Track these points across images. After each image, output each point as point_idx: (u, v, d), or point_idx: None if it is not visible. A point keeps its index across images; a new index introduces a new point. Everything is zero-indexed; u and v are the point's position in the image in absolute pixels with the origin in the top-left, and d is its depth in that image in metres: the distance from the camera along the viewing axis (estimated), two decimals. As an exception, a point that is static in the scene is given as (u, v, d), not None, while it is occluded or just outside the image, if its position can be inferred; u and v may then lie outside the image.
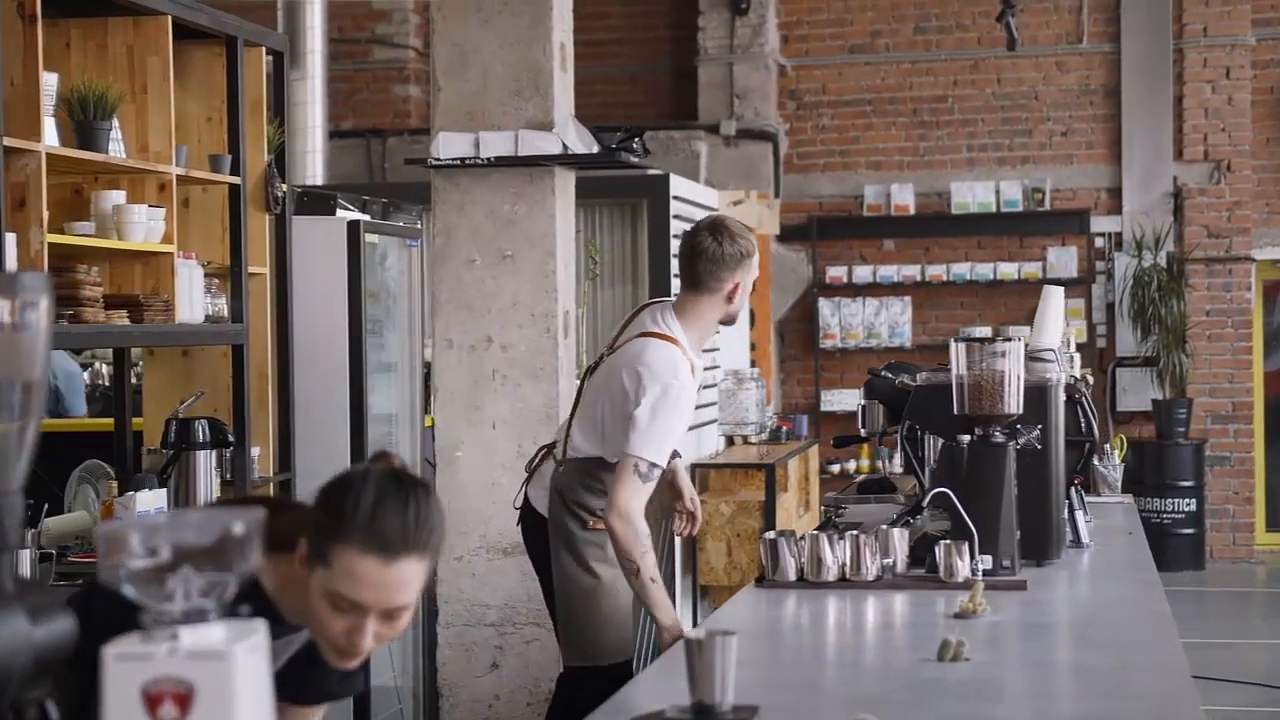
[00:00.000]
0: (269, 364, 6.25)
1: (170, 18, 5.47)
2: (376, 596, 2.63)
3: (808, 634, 4.18)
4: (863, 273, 13.74)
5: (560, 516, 5.04)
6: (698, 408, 6.47)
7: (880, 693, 3.30)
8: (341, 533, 2.63)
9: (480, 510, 6.42)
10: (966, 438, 4.76)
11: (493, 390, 6.40)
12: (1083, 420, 5.43)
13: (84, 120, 5.06)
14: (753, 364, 12.75)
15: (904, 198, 13.73)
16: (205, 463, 5.71)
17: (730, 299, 5.01)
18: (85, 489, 6.20)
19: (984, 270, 13.54)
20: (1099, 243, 13.65)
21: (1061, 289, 6.16)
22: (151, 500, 5.34)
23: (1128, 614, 4.27)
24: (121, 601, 1.92)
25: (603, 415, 4.97)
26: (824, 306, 13.78)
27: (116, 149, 5.25)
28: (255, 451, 6.10)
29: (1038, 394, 4.92)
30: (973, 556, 4.58)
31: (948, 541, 4.57)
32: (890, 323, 13.69)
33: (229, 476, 5.91)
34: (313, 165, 11.25)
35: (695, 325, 5.00)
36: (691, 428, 7.81)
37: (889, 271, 13.71)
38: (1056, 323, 6.03)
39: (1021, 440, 4.85)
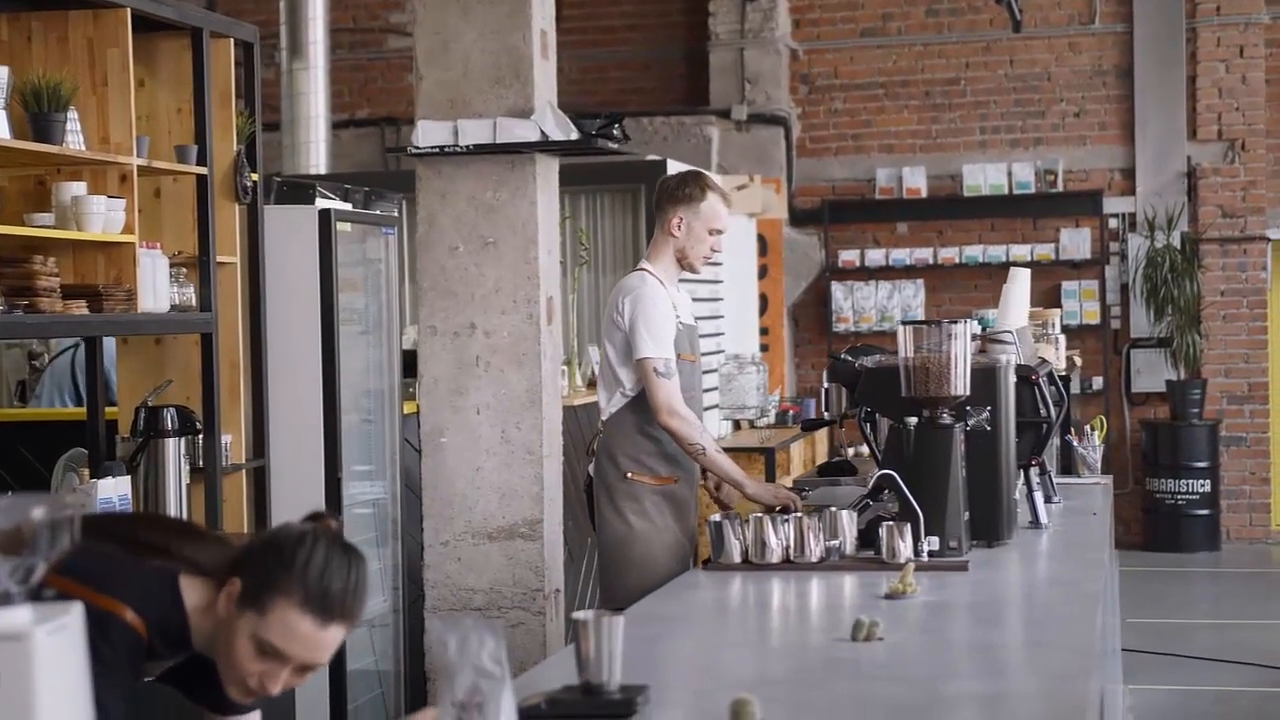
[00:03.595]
0: (241, 352, 6.29)
1: (130, 10, 5.52)
2: (303, 653, 2.79)
3: (737, 615, 4.22)
4: (875, 256, 13.73)
5: (604, 470, 5.66)
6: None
7: (781, 672, 3.34)
8: (286, 586, 2.77)
9: (465, 495, 6.44)
10: (913, 420, 4.78)
11: (476, 377, 6.41)
12: (1040, 402, 5.43)
13: (39, 113, 5.11)
14: (764, 348, 12.77)
15: (916, 181, 13.71)
16: (174, 450, 5.78)
17: (672, 232, 5.66)
18: (70, 476, 6.26)
19: (996, 252, 13.52)
20: (1112, 224, 13.60)
21: (1028, 271, 6.17)
22: (114, 487, 5.42)
23: (1058, 594, 4.29)
24: None
25: (611, 362, 5.62)
26: (837, 290, 13.78)
27: (75, 141, 5.30)
28: (228, 439, 6.15)
29: (987, 376, 4.94)
30: (916, 538, 4.60)
31: (890, 523, 4.60)
32: (903, 306, 13.68)
33: (200, 464, 5.97)
34: (315, 154, 11.32)
35: (659, 259, 5.70)
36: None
37: (901, 255, 13.70)
38: (1022, 304, 6.05)
39: (970, 422, 4.88)
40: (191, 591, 2.89)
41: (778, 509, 5.28)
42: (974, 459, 4.84)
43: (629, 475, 5.62)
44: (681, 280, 5.87)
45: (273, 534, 2.93)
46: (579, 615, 2.99)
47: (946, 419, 4.79)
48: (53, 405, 7.97)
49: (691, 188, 5.70)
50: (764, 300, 13.19)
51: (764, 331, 13.10)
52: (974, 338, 5.26)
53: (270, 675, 2.82)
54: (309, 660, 2.82)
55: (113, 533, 2.99)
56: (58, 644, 1.90)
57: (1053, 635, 3.67)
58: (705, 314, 10.54)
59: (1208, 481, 13.10)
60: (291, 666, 2.82)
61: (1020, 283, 6.05)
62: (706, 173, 6.15)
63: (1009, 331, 5.53)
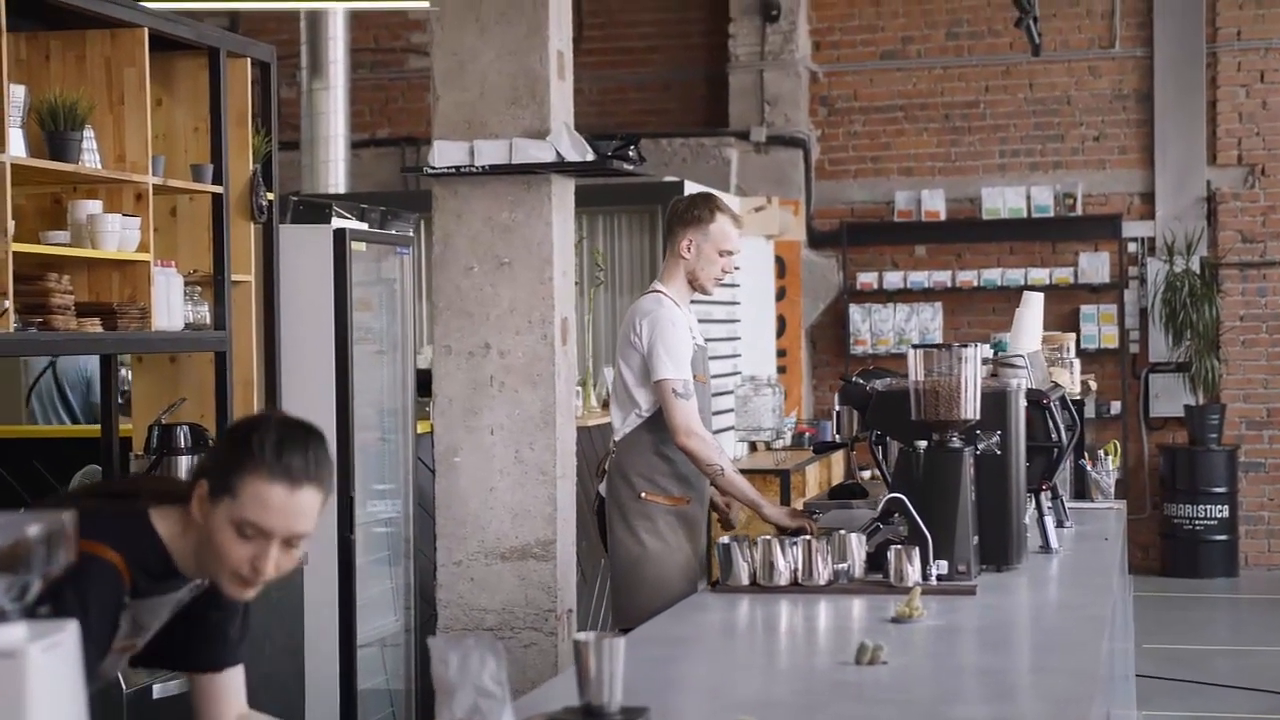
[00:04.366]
0: (255, 370, 6.31)
1: (147, 30, 5.55)
2: (282, 522, 2.89)
3: (744, 638, 4.23)
4: (894, 279, 13.73)
5: (617, 489, 5.66)
6: (716, 413, 6.96)
7: (785, 694, 3.34)
8: (249, 465, 2.89)
9: (478, 515, 6.44)
10: (923, 443, 4.78)
11: (490, 397, 6.42)
12: (1052, 426, 5.42)
13: (55, 131, 5.15)
14: (782, 370, 12.77)
15: (935, 203, 13.71)
16: (187, 468, 5.79)
17: (682, 254, 5.72)
18: (85, 494, 6.29)
19: (1015, 276, 13.50)
20: (1131, 248, 13.58)
21: (1040, 295, 6.17)
22: (127, 505, 5.43)
23: (1065, 619, 4.29)
24: None
25: (626, 383, 5.65)
26: (855, 313, 13.77)
27: (91, 159, 5.33)
28: (241, 457, 6.15)
29: (997, 400, 4.93)
30: (925, 562, 4.59)
31: (899, 546, 4.60)
32: (921, 329, 13.66)
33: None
34: (334, 174, 11.35)
35: (672, 281, 5.75)
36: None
37: (920, 277, 13.69)
38: (1035, 328, 6.05)
39: (980, 446, 4.88)
40: (164, 521, 3.00)
41: (791, 530, 5.30)
42: (984, 483, 4.84)
43: (643, 495, 5.65)
44: (694, 301, 5.90)
45: (228, 429, 3.07)
46: (579, 636, 2.99)
47: (956, 443, 4.78)
48: (49, 424, 8.05)
49: (701, 209, 5.75)
50: (782, 322, 13.19)
51: (781, 353, 13.11)
52: (985, 362, 5.27)
53: (260, 557, 2.91)
54: (290, 530, 2.90)
55: (84, 494, 3.16)
56: (51, 661, 1.91)
57: (1058, 660, 3.66)
58: (721, 335, 10.55)
59: (1226, 507, 13.06)
60: (276, 542, 2.91)
61: (1033, 307, 6.05)
62: (717, 194, 6.18)
63: (1020, 356, 5.53)
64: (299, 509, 2.90)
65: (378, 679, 7.15)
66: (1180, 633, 11.07)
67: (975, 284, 13.60)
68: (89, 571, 2.82)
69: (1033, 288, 13.21)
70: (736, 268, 5.98)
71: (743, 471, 9.60)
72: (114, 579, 2.89)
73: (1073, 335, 7.62)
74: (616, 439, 5.77)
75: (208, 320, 5.99)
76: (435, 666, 2.71)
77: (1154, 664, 9.46)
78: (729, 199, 10.82)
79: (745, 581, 4.64)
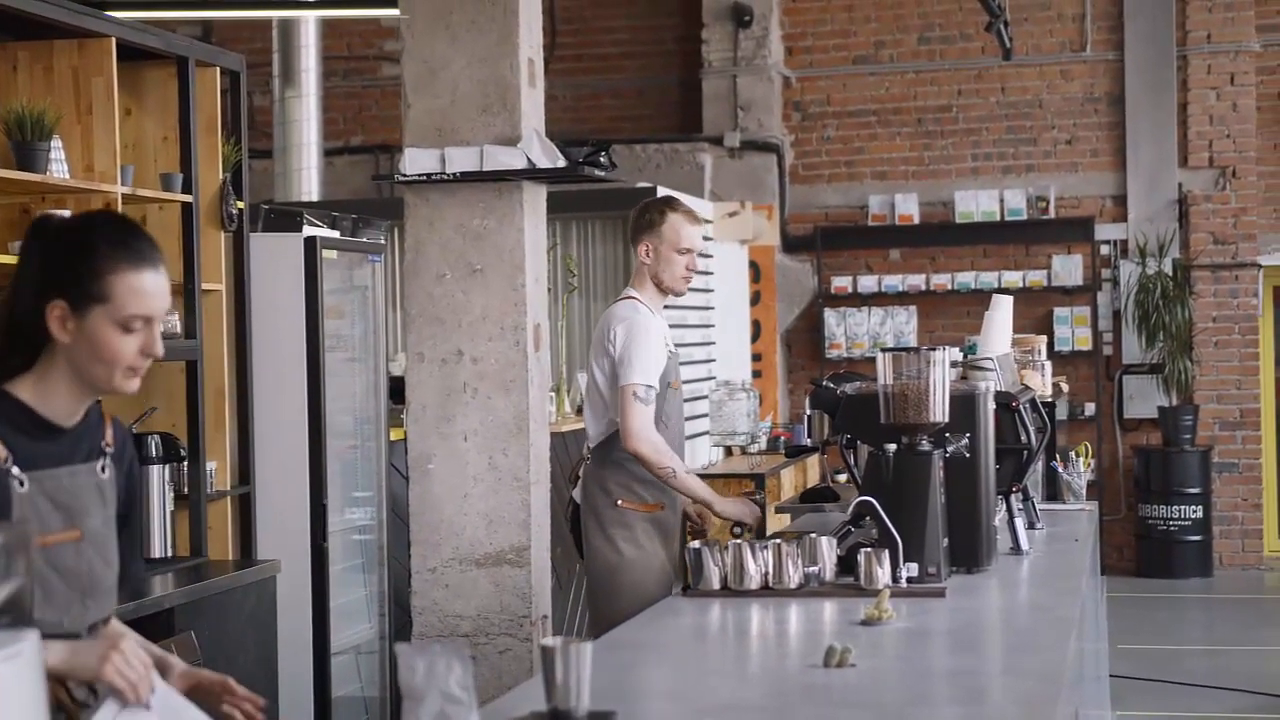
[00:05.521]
0: (226, 379, 6.31)
1: (114, 40, 5.55)
2: (159, 304, 3.00)
3: (714, 641, 4.23)
4: (868, 283, 13.76)
5: (593, 497, 5.68)
6: (689, 418, 6.98)
7: (753, 698, 3.35)
8: (111, 265, 2.96)
9: (453, 522, 6.44)
10: (892, 447, 4.79)
11: (464, 403, 6.41)
12: (1021, 429, 5.44)
13: (23, 141, 5.14)
14: (757, 374, 12.80)
15: (908, 207, 13.75)
16: (158, 477, 5.79)
17: (643, 259, 5.82)
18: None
19: (989, 279, 13.54)
20: (1104, 250, 13.63)
21: (1010, 298, 6.19)
22: (98, 514, 5.42)
23: (1033, 620, 4.30)
24: None
25: (599, 387, 5.69)
26: (829, 317, 13.80)
27: (59, 169, 5.33)
28: (213, 466, 6.17)
29: (966, 403, 4.95)
30: (895, 564, 4.61)
31: (869, 549, 4.61)
32: (895, 332, 13.70)
33: (185, 491, 5.98)
34: (307, 182, 11.34)
35: (642, 287, 5.83)
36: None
37: (894, 281, 13.73)
38: (1004, 331, 6.07)
39: (949, 449, 4.89)
40: (19, 386, 3.01)
41: (748, 524, 5.38)
42: (953, 485, 4.85)
43: (620, 503, 5.67)
44: (667, 306, 5.92)
45: (47, 247, 3.01)
46: (546, 642, 3.01)
47: (925, 446, 4.80)
48: None
49: (652, 213, 5.83)
50: (757, 326, 13.22)
51: (757, 358, 13.13)
52: (954, 364, 5.29)
53: (148, 343, 3.00)
54: (164, 308, 3.03)
55: None
56: (12, 670, 1.91)
57: (1025, 661, 3.68)
58: (696, 340, 10.58)
59: (1200, 507, 13.11)
60: (155, 322, 3.01)
61: (1002, 310, 6.08)
62: (674, 196, 6.24)
63: (989, 358, 5.55)
64: (164, 288, 3.02)
65: (352, 686, 7.15)
66: (1155, 633, 11.11)
67: (949, 287, 13.65)
68: None
69: (1006, 291, 13.33)
70: (709, 272, 6.02)
71: (717, 476, 9.70)
72: None
73: (1044, 338, 7.65)
74: (591, 445, 5.78)
75: (178, 329, 5.98)
76: (402, 673, 2.72)
77: (1128, 664, 9.49)
78: (700, 203, 10.85)
79: (716, 585, 4.64)
